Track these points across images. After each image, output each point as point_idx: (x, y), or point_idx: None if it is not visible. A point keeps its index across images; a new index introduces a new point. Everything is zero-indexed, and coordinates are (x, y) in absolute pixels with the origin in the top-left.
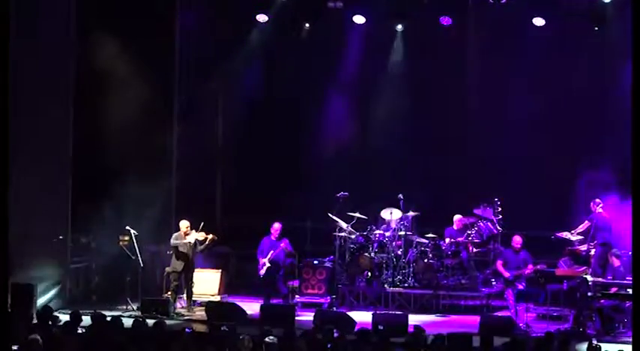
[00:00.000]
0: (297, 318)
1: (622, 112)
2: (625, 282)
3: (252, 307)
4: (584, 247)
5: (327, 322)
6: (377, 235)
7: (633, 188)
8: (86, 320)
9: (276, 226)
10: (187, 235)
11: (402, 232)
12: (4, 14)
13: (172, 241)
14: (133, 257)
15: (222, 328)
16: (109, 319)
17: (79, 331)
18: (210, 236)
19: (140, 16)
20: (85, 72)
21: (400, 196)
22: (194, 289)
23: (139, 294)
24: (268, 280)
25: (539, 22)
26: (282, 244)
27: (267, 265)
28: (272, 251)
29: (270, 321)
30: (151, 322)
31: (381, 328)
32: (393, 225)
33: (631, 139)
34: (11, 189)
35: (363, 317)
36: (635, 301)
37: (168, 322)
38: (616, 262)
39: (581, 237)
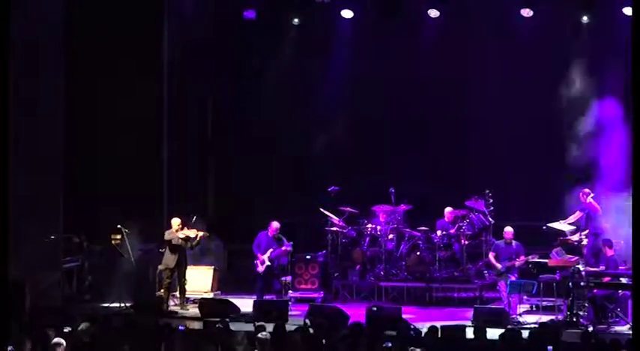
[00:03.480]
0: (290, 313)
1: (613, 104)
2: (618, 271)
3: (245, 303)
4: (576, 238)
5: (320, 317)
6: (369, 229)
7: (633, 188)
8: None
9: (275, 224)
10: (179, 232)
11: (394, 226)
12: (4, 15)
13: (166, 235)
14: (125, 256)
15: (215, 325)
16: (101, 317)
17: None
18: (201, 233)
19: (128, 15)
20: (75, 70)
21: (391, 189)
22: (187, 287)
23: (132, 292)
24: (266, 277)
25: (527, 12)
26: (284, 248)
27: (267, 263)
28: (271, 250)
29: (264, 317)
30: (144, 320)
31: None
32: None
33: (631, 138)
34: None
35: (356, 311)
36: (634, 298)
37: (161, 319)
38: (609, 252)
39: (574, 227)
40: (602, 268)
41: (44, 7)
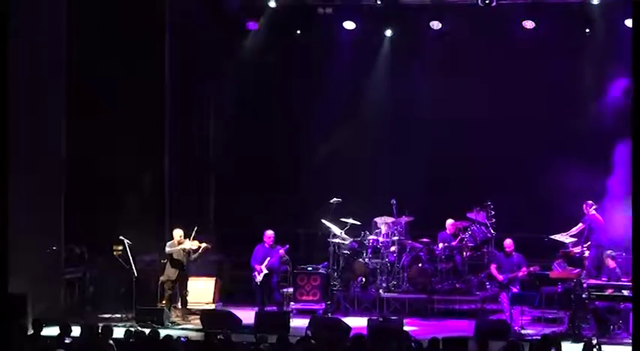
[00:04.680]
0: (292, 325)
1: (614, 114)
2: (620, 283)
3: (246, 315)
4: (577, 249)
5: (322, 329)
6: (370, 241)
7: (633, 189)
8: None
9: (269, 233)
10: (181, 243)
11: (396, 237)
12: (4, 14)
13: (167, 248)
14: (127, 267)
15: (217, 337)
16: (102, 329)
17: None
18: (203, 245)
19: (130, 17)
20: (76, 78)
21: (393, 201)
22: (188, 298)
23: (134, 303)
24: (264, 287)
25: (529, 24)
26: (281, 251)
27: (265, 271)
28: (268, 258)
29: (265, 328)
30: (146, 331)
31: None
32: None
33: (631, 139)
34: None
35: (358, 323)
36: (635, 303)
37: (163, 331)
38: (611, 264)
39: (575, 239)
40: (604, 280)
41: (46, 6)
